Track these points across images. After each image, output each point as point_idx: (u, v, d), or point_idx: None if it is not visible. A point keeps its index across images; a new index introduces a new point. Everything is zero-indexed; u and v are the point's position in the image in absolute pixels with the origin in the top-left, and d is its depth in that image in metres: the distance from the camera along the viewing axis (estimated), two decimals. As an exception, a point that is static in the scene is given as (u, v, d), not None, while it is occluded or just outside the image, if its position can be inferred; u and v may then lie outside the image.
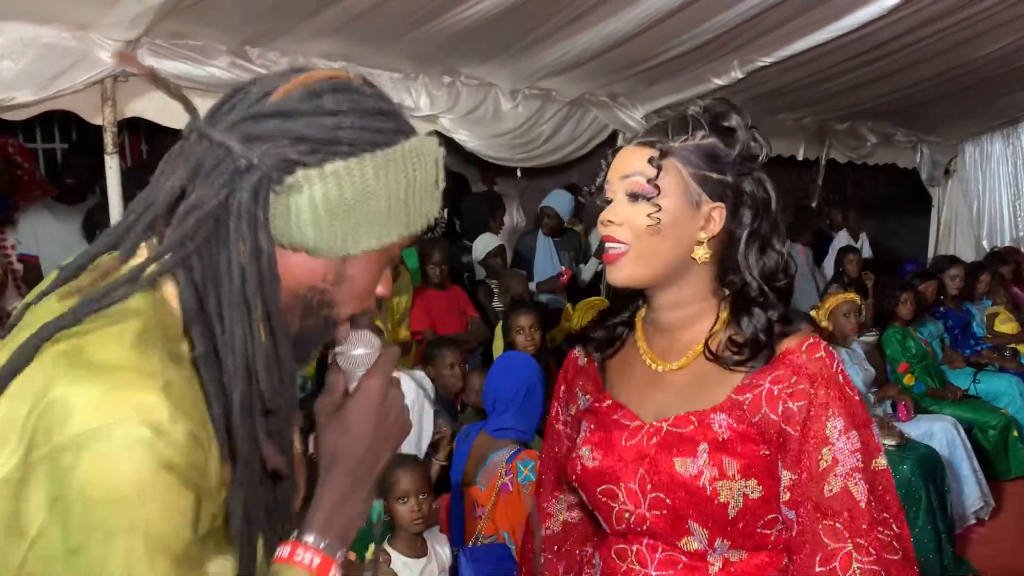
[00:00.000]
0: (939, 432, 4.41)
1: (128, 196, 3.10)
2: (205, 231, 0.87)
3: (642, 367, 1.36)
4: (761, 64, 4.47)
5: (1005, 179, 7.67)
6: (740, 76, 4.53)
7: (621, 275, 1.29)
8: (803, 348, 1.26)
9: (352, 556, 2.37)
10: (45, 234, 4.28)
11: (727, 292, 1.31)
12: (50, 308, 0.86)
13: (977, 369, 5.28)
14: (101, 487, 0.76)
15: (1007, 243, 7.42)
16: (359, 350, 1.03)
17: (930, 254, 7.69)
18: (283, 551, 0.95)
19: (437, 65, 3.97)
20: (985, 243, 7.64)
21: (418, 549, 2.64)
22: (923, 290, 5.44)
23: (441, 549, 2.68)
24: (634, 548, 1.33)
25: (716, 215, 1.27)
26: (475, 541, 2.76)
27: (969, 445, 4.55)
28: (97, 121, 3.10)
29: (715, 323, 1.31)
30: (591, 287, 5.58)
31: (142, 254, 0.90)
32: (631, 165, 1.28)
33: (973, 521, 4.46)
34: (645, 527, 1.30)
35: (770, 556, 1.29)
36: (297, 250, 0.91)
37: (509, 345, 3.95)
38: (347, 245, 0.92)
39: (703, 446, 1.25)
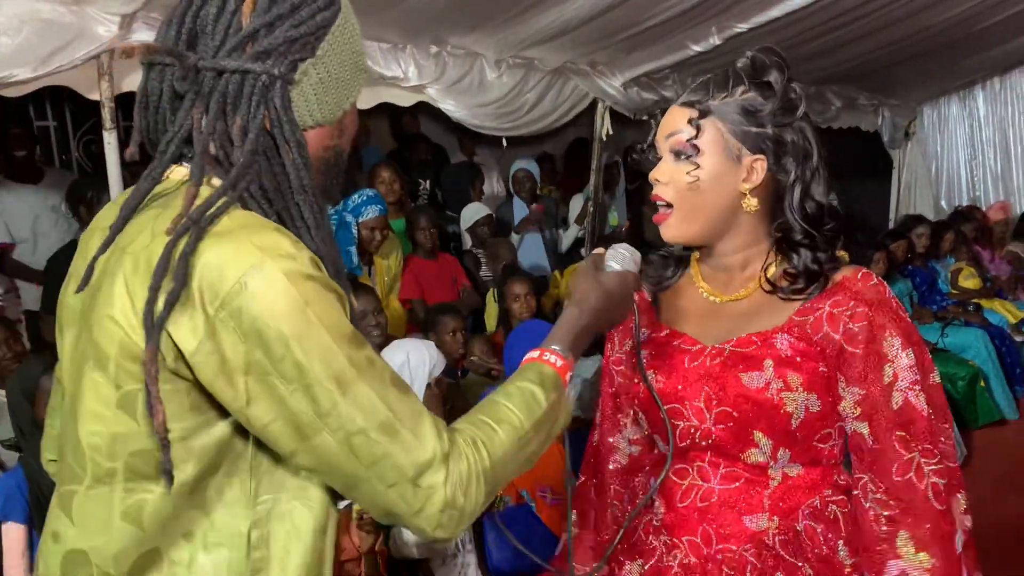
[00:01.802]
0: (913, 384, 4.59)
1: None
2: (260, 150, 1.03)
3: (699, 300, 1.45)
4: (738, 30, 4.56)
5: (962, 140, 7.89)
6: (718, 42, 4.61)
7: (670, 233, 1.39)
8: (859, 276, 1.37)
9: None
10: (13, 217, 4.20)
11: (779, 235, 1.40)
12: (139, 232, 1.01)
13: (944, 324, 5.49)
14: (274, 306, 0.94)
15: (964, 203, 7.65)
16: (616, 262, 1.34)
17: (891, 215, 7.90)
18: (533, 353, 1.21)
19: (425, 35, 3.99)
20: (944, 203, 7.87)
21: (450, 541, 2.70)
22: (894, 249, 5.63)
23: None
24: (696, 466, 1.41)
25: (758, 166, 1.35)
26: (496, 502, 2.84)
27: (941, 396, 4.74)
28: (95, 96, 3.08)
29: (767, 256, 1.41)
30: (573, 253, 5.65)
31: (176, 176, 1.05)
32: (674, 124, 1.37)
33: (944, 468, 4.66)
34: (710, 441, 1.39)
35: (823, 472, 1.39)
36: (311, 128, 1.09)
37: (504, 312, 4.01)
38: (342, 105, 1.11)
39: (768, 361, 1.35)
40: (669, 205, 1.38)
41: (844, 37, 5.26)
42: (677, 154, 1.35)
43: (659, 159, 1.39)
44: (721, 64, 3.78)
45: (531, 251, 5.47)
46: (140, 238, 1.01)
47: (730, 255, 1.42)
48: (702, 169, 1.34)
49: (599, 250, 1.37)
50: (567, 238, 5.73)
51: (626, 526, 1.48)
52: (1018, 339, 5.74)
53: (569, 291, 1.32)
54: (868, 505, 1.35)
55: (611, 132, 5.14)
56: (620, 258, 1.35)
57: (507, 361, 3.08)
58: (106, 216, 1.13)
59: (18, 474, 2.40)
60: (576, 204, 5.80)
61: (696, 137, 1.34)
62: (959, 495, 1.34)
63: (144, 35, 3.06)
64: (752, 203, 1.36)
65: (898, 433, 1.32)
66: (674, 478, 1.44)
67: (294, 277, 0.96)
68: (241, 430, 1.03)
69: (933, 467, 1.31)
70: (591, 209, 5.28)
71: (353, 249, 3.98)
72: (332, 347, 0.97)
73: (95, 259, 1.05)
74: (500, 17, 3.97)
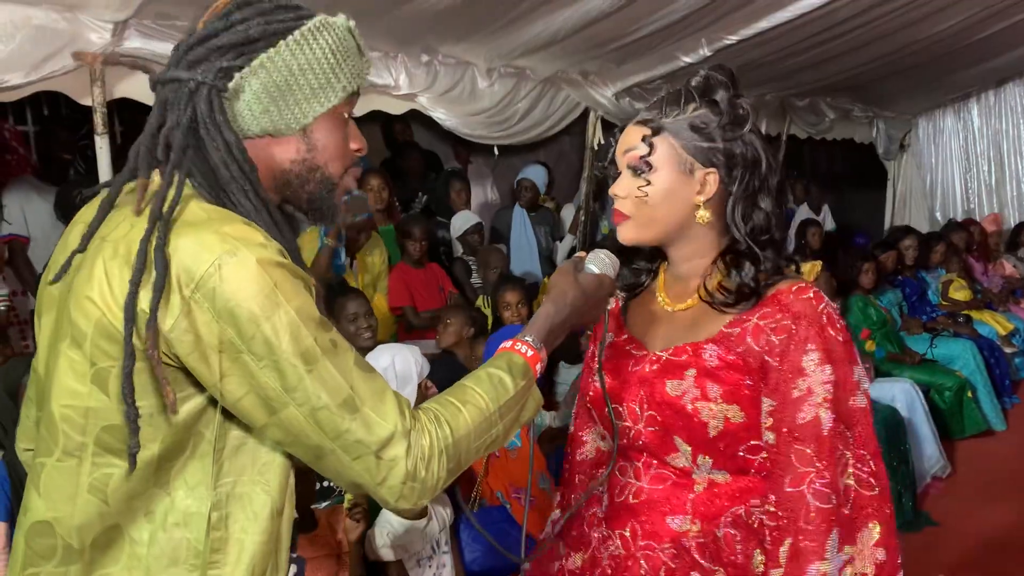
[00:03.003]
0: (900, 394, 4.62)
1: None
2: (189, 144, 1.10)
3: (658, 308, 1.52)
4: (728, 42, 4.60)
5: (956, 153, 7.94)
6: (708, 54, 4.66)
7: (625, 236, 1.46)
8: (792, 290, 1.39)
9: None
10: (33, 214, 4.28)
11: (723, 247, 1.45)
12: (119, 223, 1.09)
13: (933, 334, 5.52)
14: (247, 288, 1.02)
15: (959, 214, 7.68)
16: (595, 265, 1.41)
17: (886, 226, 7.93)
18: (506, 343, 1.28)
19: (416, 44, 4.04)
20: (938, 215, 7.91)
21: (418, 511, 2.74)
22: (883, 260, 5.67)
23: (442, 509, 2.79)
24: (633, 464, 1.47)
25: (710, 179, 1.40)
26: (473, 502, 2.88)
27: (927, 407, 4.77)
28: (87, 102, 3.13)
29: (709, 269, 1.45)
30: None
31: (155, 179, 1.12)
32: (630, 141, 1.43)
33: (930, 480, 4.67)
34: (641, 442, 1.44)
35: (753, 482, 1.41)
36: (264, 136, 1.15)
37: (496, 320, 4.05)
38: (299, 118, 1.16)
39: (691, 371, 1.39)
40: (624, 215, 1.45)
41: (836, 49, 5.30)
42: (634, 169, 1.42)
43: (619, 174, 1.45)
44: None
45: (524, 259, 5.52)
46: (120, 228, 1.09)
47: (685, 264, 1.48)
48: (653, 185, 1.40)
49: (580, 253, 1.45)
50: (563, 247, 5.76)
51: (571, 513, 1.55)
52: (1007, 351, 5.78)
53: (548, 288, 1.38)
54: (763, 515, 1.38)
55: (603, 142, 5.18)
56: (599, 262, 1.42)
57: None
58: (88, 212, 1.19)
59: (0, 472, 2.42)
60: (569, 214, 5.85)
61: (650, 154, 1.40)
62: (868, 528, 1.34)
63: (137, 42, 3.12)
64: (705, 215, 1.41)
65: (797, 447, 1.34)
66: (617, 474, 1.50)
67: (265, 263, 1.03)
68: (205, 413, 1.09)
69: (817, 487, 1.32)
70: (582, 218, 5.32)
71: (341, 249, 4.03)
72: (300, 327, 1.04)
73: (76, 251, 1.11)
74: (490, 26, 4.02)
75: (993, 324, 5.93)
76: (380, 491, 1.09)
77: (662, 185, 1.40)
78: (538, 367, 1.27)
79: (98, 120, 3.15)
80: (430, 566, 2.66)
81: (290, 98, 1.14)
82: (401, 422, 1.08)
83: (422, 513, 2.74)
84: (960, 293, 6.06)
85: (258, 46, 1.12)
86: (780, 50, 5.04)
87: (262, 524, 1.12)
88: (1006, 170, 7.71)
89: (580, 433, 1.68)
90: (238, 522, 1.11)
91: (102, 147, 3.18)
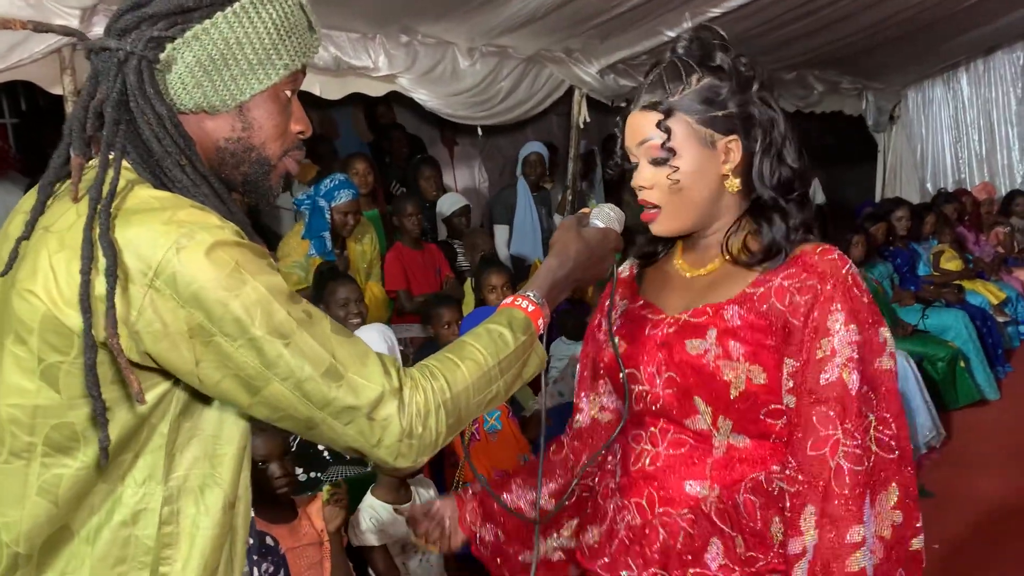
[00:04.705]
0: (892, 366, 4.60)
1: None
2: (121, 119, 1.05)
3: (675, 274, 1.48)
4: (712, 14, 4.55)
5: (947, 123, 7.91)
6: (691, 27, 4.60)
7: (660, 229, 1.41)
8: (817, 251, 1.36)
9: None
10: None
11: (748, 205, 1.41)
12: (63, 213, 1.04)
13: (925, 305, 5.50)
14: (208, 270, 0.98)
15: (950, 185, 7.67)
16: (599, 219, 1.38)
17: (877, 199, 7.91)
18: (507, 300, 1.26)
19: (394, 24, 3.99)
20: (929, 186, 7.89)
21: (402, 496, 2.71)
22: (874, 232, 5.64)
23: (426, 492, 2.77)
24: (648, 431, 1.45)
25: (733, 147, 1.36)
26: (456, 485, 2.85)
27: (920, 377, 4.76)
28: (57, 91, 3.08)
29: (731, 226, 1.41)
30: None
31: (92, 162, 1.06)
32: (643, 131, 1.37)
33: (925, 451, 4.68)
34: (659, 405, 1.42)
35: (773, 447, 1.38)
36: (198, 112, 1.10)
37: (480, 303, 4.02)
38: (235, 94, 1.10)
39: (712, 331, 1.36)
40: (656, 206, 1.39)
41: (823, 20, 5.25)
42: (654, 161, 1.36)
43: (635, 165, 1.40)
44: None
45: (527, 238, 5.47)
46: (64, 218, 1.04)
47: (712, 234, 1.44)
48: (681, 169, 1.35)
49: (585, 209, 1.41)
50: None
51: (580, 473, 1.52)
52: (999, 320, 5.76)
53: (551, 244, 1.34)
54: (782, 481, 1.35)
55: (588, 120, 5.14)
56: (604, 216, 1.38)
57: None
58: (28, 200, 1.14)
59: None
60: (556, 194, 5.81)
61: (668, 140, 1.34)
62: (888, 490, 1.31)
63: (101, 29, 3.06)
64: (735, 183, 1.38)
65: (820, 408, 1.31)
66: (631, 443, 1.48)
67: (223, 243, 1.00)
68: (161, 404, 1.05)
69: (847, 449, 1.29)
70: (570, 197, 5.28)
71: (327, 234, 3.99)
72: (270, 301, 1.01)
73: (20, 238, 1.06)
74: (469, 4, 3.97)
75: (985, 293, 5.91)
76: (377, 452, 1.06)
77: (689, 166, 1.35)
78: (540, 322, 1.23)
79: (69, 109, 3.09)
80: (415, 552, 2.64)
81: (225, 73, 1.08)
82: (387, 381, 1.05)
83: (406, 498, 2.71)
84: (952, 263, 6.04)
85: (193, 16, 1.06)
86: (766, 22, 4.99)
87: (214, 517, 1.09)
88: (996, 139, 7.68)
89: (576, 401, 1.65)
90: (189, 516, 1.08)
91: (74, 136, 3.13)
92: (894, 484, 1.32)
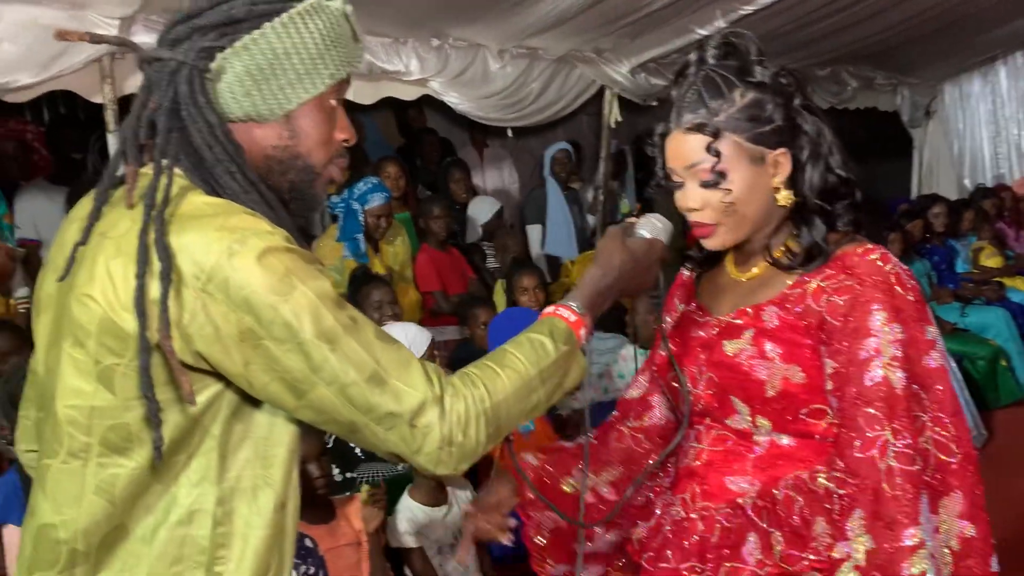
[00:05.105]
0: (931, 365, 4.54)
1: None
2: (173, 127, 1.08)
3: (727, 278, 1.50)
4: (743, 12, 4.52)
5: (985, 117, 7.74)
6: (723, 25, 4.57)
7: (717, 243, 1.42)
8: (858, 251, 1.35)
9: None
10: (43, 218, 4.31)
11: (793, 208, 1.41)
12: (119, 219, 1.07)
13: (965, 303, 5.42)
14: (258, 275, 1.00)
15: (989, 180, 7.51)
16: (646, 230, 1.37)
17: (913, 195, 7.78)
18: (549, 308, 1.26)
19: (426, 28, 4.01)
20: (967, 182, 7.73)
21: (439, 498, 2.73)
22: (910, 229, 5.56)
23: (463, 494, 2.78)
24: (695, 429, 1.47)
25: (782, 159, 1.36)
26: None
27: (961, 377, 4.68)
28: (98, 99, 3.15)
29: (774, 231, 1.41)
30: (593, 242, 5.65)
31: (146, 169, 1.09)
32: (691, 155, 1.35)
33: (966, 450, 4.60)
34: (700, 405, 1.44)
35: (818, 446, 1.36)
36: (246, 120, 1.12)
37: (512, 304, 4.03)
38: (282, 103, 1.12)
39: (748, 331, 1.38)
40: (709, 224, 1.39)
41: (856, 15, 5.18)
42: (704, 184, 1.35)
43: (679, 185, 1.39)
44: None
45: (561, 238, 5.47)
46: (119, 225, 1.07)
47: (762, 240, 1.44)
48: (734, 191, 1.34)
49: (632, 218, 1.41)
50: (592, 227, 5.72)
51: (639, 482, 1.52)
52: (1042, 317, 5.65)
53: (595, 253, 1.35)
54: (829, 483, 1.33)
55: (620, 119, 5.13)
56: (651, 226, 1.38)
57: (491, 347, 3.12)
58: (83, 207, 1.17)
59: (14, 476, 2.43)
60: (591, 193, 5.80)
61: (719, 163, 1.33)
62: (950, 496, 1.28)
63: (144, 37, 3.11)
64: (787, 195, 1.37)
65: (867, 410, 1.28)
66: (682, 441, 1.49)
67: (274, 249, 1.02)
68: (212, 406, 1.07)
69: (897, 449, 1.26)
70: (601, 197, 5.27)
71: (360, 236, 4.02)
72: (319, 307, 1.03)
73: (78, 244, 1.09)
74: (500, 6, 3.98)
75: (1026, 290, 5.80)
76: (418, 458, 1.08)
77: (742, 185, 1.35)
78: (582, 332, 1.23)
79: (109, 117, 3.16)
80: (452, 553, 2.65)
81: (273, 83, 1.11)
82: (430, 388, 1.07)
83: (443, 500, 2.72)
84: (992, 260, 5.93)
85: (242, 27, 1.09)
86: (798, 18, 4.93)
87: (266, 518, 1.11)
88: (1036, 132, 7.52)
89: (648, 397, 1.64)
90: (242, 517, 1.10)
91: (115, 145, 3.18)
92: (958, 491, 1.29)
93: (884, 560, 1.25)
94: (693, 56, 1.40)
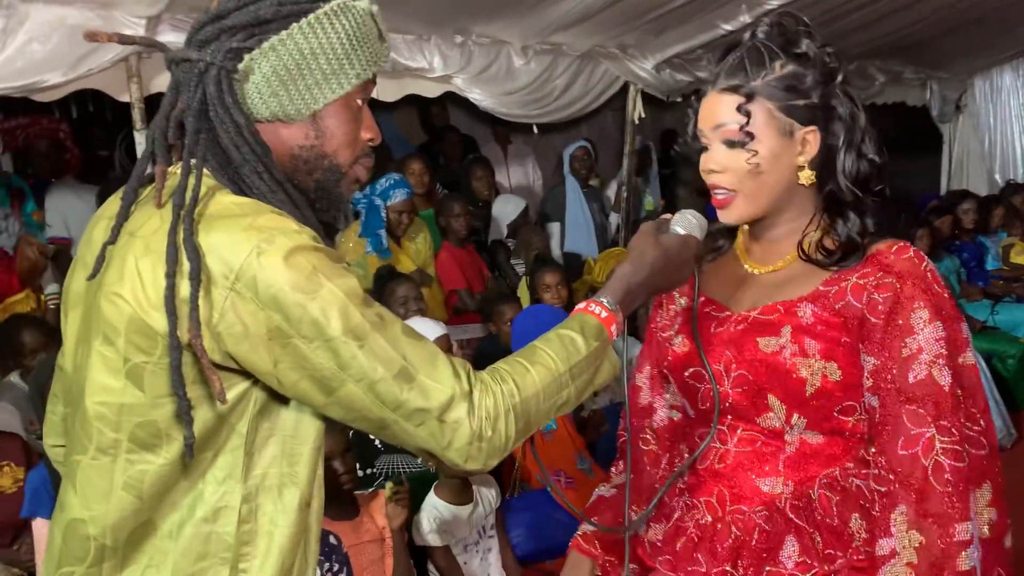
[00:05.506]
0: (960, 363, 4.48)
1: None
2: (201, 127, 1.09)
3: (739, 271, 1.47)
4: (768, 7, 4.47)
5: (1016, 111, 7.62)
6: (748, 20, 4.52)
7: (733, 216, 1.40)
8: (892, 249, 1.35)
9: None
10: (73, 215, 4.36)
11: (824, 200, 1.39)
12: (147, 218, 1.08)
13: (994, 301, 5.34)
14: (287, 272, 1.01)
15: (1020, 175, 7.40)
16: (680, 226, 1.34)
17: (943, 191, 7.68)
18: (580, 304, 1.25)
19: (449, 25, 4.01)
20: (998, 177, 7.62)
21: (464, 496, 2.73)
22: (939, 225, 5.49)
23: (487, 491, 2.77)
24: (716, 430, 1.42)
25: (811, 138, 1.34)
26: (513, 486, 2.86)
27: (990, 375, 4.62)
28: (125, 98, 3.18)
29: (808, 225, 1.40)
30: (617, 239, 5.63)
31: (173, 169, 1.11)
32: (721, 114, 1.35)
33: (995, 449, 4.54)
34: (727, 404, 1.40)
35: (846, 443, 1.36)
36: (273, 121, 1.13)
37: (535, 302, 4.02)
38: (309, 104, 1.13)
39: (787, 327, 1.35)
40: (729, 190, 1.38)
41: (883, 9, 5.12)
42: (730, 143, 1.34)
43: (703, 148, 1.38)
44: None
45: (581, 235, 5.46)
46: (148, 224, 1.08)
47: (779, 228, 1.42)
48: (760, 154, 1.33)
49: (666, 215, 1.38)
50: (613, 223, 5.69)
51: (668, 486, 1.50)
52: (1074, 315, 5.55)
53: (628, 249, 1.34)
54: (870, 480, 1.33)
55: (643, 115, 5.10)
56: (686, 222, 1.35)
57: (515, 345, 3.12)
58: (111, 206, 1.19)
59: (43, 470, 2.46)
60: (614, 190, 5.78)
61: (748, 124, 1.32)
62: (981, 488, 1.30)
63: (170, 36, 3.14)
64: (809, 175, 1.35)
65: (909, 407, 1.29)
66: (698, 441, 1.46)
67: (302, 248, 1.03)
68: (240, 404, 1.08)
69: (946, 446, 1.27)
70: (624, 194, 5.25)
71: (383, 232, 4.03)
72: (346, 304, 1.03)
73: (107, 243, 1.11)
74: (524, 3, 3.97)
75: (1059, 288, 5.71)
76: (447, 454, 1.08)
77: (767, 152, 1.33)
78: (613, 329, 1.22)
79: (136, 116, 3.19)
80: (476, 551, 2.65)
81: (300, 83, 1.12)
82: (458, 384, 1.07)
83: (468, 499, 2.72)
84: (1022, 257, 5.85)
85: (270, 27, 1.10)
86: (824, 13, 4.87)
87: (291, 516, 1.12)
88: (1069, 127, 7.40)
89: (650, 401, 1.63)
90: (267, 514, 1.11)
91: (141, 143, 3.22)
92: (988, 481, 1.31)
93: (938, 555, 1.25)
94: (747, 33, 1.40)
